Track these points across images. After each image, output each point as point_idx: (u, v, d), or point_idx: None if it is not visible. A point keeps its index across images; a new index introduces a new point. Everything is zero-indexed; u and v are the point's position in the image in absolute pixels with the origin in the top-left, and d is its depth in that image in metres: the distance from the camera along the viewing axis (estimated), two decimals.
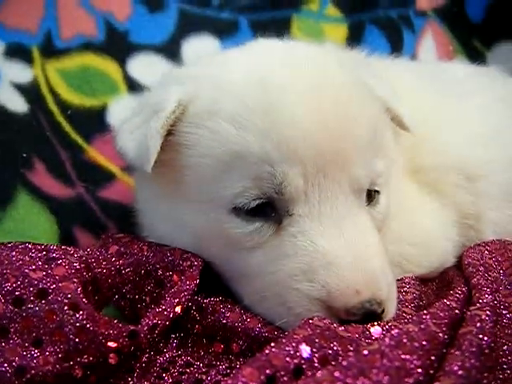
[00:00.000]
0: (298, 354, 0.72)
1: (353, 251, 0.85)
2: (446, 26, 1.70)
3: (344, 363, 0.70)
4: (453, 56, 1.69)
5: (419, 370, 0.72)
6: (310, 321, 0.78)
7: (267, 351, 0.72)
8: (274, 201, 0.87)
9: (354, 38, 1.60)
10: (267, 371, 0.69)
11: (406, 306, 0.91)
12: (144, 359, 0.84)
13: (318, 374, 0.69)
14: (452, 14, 1.70)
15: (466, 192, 1.12)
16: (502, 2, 1.70)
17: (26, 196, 1.23)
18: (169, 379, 0.83)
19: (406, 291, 0.95)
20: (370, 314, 0.83)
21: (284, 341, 0.73)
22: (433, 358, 0.74)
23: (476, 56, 1.65)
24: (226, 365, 0.85)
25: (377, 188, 0.92)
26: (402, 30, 1.65)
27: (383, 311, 0.84)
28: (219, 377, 0.82)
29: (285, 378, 0.70)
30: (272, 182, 0.85)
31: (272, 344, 0.73)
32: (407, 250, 1.03)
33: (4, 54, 1.34)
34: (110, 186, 1.34)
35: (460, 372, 0.70)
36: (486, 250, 1.04)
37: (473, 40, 1.71)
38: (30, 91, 1.35)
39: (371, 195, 0.92)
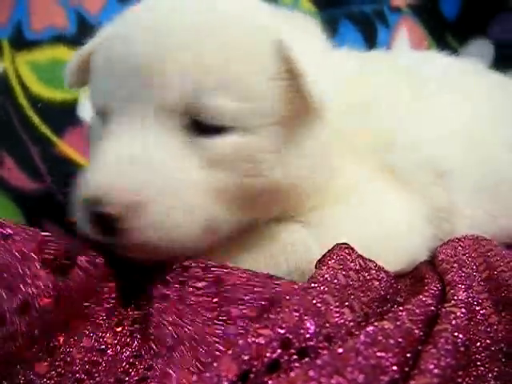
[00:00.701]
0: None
1: (124, 158, 0.83)
2: (421, 21, 1.72)
3: (318, 362, 0.69)
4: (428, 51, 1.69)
5: (394, 368, 0.71)
6: None
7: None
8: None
9: (328, 32, 1.59)
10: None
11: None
12: (110, 353, 0.83)
13: (292, 373, 0.68)
14: (426, 10, 1.72)
15: (436, 187, 1.11)
16: None
17: None
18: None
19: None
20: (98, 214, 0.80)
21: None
22: (408, 355, 0.74)
23: (450, 52, 1.65)
24: None
25: (218, 124, 0.87)
26: (377, 26, 1.66)
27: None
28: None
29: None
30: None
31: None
32: (377, 245, 1.01)
33: None
34: None
35: (435, 371, 0.69)
36: (460, 245, 1.03)
37: (447, 36, 1.72)
38: None
39: (208, 128, 0.87)
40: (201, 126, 0.86)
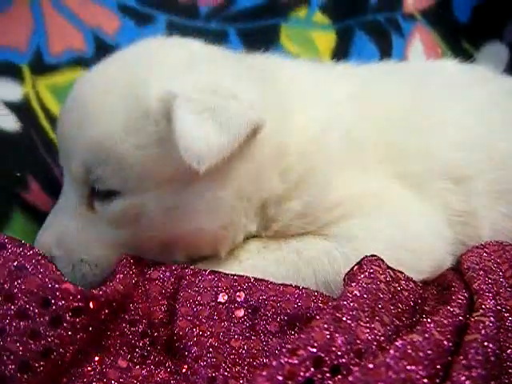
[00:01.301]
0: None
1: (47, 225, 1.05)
2: (434, 28, 1.72)
3: (350, 378, 0.70)
4: (442, 58, 1.69)
5: (425, 381, 0.72)
6: None
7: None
8: None
9: (343, 43, 1.61)
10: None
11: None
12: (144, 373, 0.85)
13: None
14: (439, 15, 1.72)
15: (455, 193, 1.12)
16: (489, 3, 1.72)
17: (22, 216, 1.21)
18: None
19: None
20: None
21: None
22: (438, 366, 0.75)
23: (465, 57, 1.65)
24: None
25: (110, 189, 0.98)
26: (391, 35, 1.66)
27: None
28: None
29: None
30: None
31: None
32: (402, 256, 1.02)
33: None
34: None
35: (467, 382, 0.70)
36: (485, 252, 1.04)
37: (461, 41, 1.72)
38: (21, 109, 1.33)
39: (102, 193, 0.99)
40: (98, 192, 0.99)
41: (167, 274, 0.95)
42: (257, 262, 1.03)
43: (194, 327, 0.88)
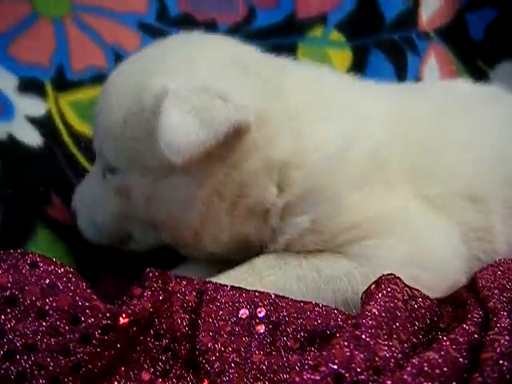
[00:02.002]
0: None
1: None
2: (449, 46, 1.73)
3: None
4: (456, 76, 1.71)
5: None
6: None
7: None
8: None
9: (359, 62, 1.62)
10: None
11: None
12: None
13: None
14: (454, 33, 1.73)
15: (472, 212, 1.15)
16: (504, 21, 1.73)
17: (46, 231, 1.24)
18: None
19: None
20: None
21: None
22: (454, 383, 0.77)
23: (479, 75, 1.67)
24: None
25: (111, 166, 1.11)
26: (406, 53, 1.67)
27: None
28: None
29: None
30: None
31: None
32: (419, 275, 1.04)
33: (18, 89, 1.36)
34: None
35: None
36: (499, 270, 1.06)
37: (476, 59, 1.74)
38: (44, 125, 1.36)
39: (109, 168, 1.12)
40: (108, 167, 1.12)
41: (189, 287, 0.97)
42: (278, 278, 1.05)
43: (216, 342, 0.89)
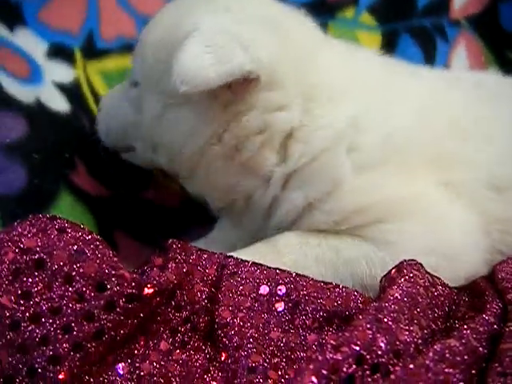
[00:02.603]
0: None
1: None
2: (479, 35, 1.72)
3: (392, 377, 0.74)
4: (484, 66, 1.71)
5: None
6: None
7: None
8: None
9: (388, 46, 1.62)
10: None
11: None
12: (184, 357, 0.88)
13: None
14: (485, 23, 1.72)
15: (496, 202, 1.14)
16: None
17: (69, 197, 1.25)
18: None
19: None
20: None
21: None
22: (473, 371, 0.79)
23: (508, 66, 1.66)
24: None
25: (134, 79, 1.19)
26: (436, 40, 1.67)
27: None
28: None
29: None
30: None
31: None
32: (437, 262, 1.04)
33: (47, 55, 1.37)
34: (152, 188, 1.38)
35: None
36: None
37: (505, 50, 1.73)
38: (71, 91, 1.37)
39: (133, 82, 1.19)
40: (132, 80, 1.20)
41: (210, 261, 0.98)
42: (298, 257, 1.06)
43: (235, 317, 0.90)
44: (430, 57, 1.65)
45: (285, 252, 1.06)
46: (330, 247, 1.06)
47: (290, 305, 0.92)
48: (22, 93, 1.27)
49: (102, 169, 1.33)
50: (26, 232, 0.84)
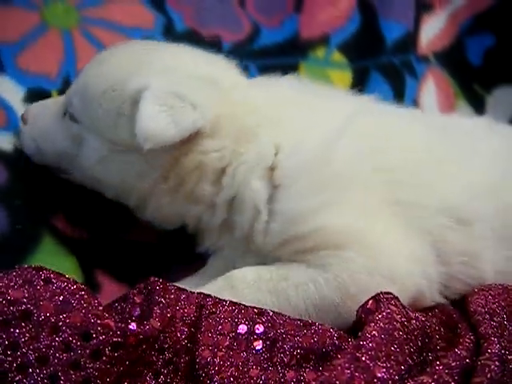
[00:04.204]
0: None
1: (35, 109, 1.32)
2: (447, 70, 1.76)
3: None
4: (453, 100, 1.75)
5: None
6: None
7: None
8: None
9: (359, 83, 1.65)
10: None
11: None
12: None
13: None
14: (452, 58, 1.77)
15: (457, 233, 1.16)
16: (502, 47, 1.77)
17: (52, 240, 1.28)
18: None
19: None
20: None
21: None
22: None
23: (476, 100, 1.71)
24: None
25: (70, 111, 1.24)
26: (405, 76, 1.70)
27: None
28: None
29: None
30: None
31: None
32: (379, 283, 1.07)
33: (24, 100, 1.39)
34: (131, 227, 1.40)
35: None
36: (490, 294, 1.09)
37: (473, 84, 1.77)
38: None
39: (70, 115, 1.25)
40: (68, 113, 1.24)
41: (188, 301, 1.00)
42: (253, 292, 1.10)
43: (215, 356, 0.93)
44: (399, 93, 1.68)
45: (240, 288, 1.11)
46: (280, 276, 1.11)
47: (268, 343, 0.95)
48: (1, 141, 1.31)
49: (82, 212, 1.35)
50: (12, 283, 0.87)
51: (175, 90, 1.13)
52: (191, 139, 1.14)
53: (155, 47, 1.32)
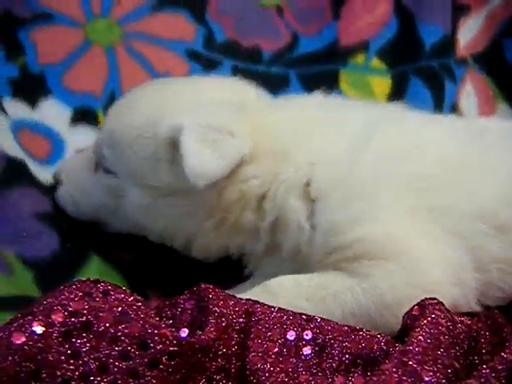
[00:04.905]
0: None
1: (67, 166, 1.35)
2: (486, 72, 1.76)
3: None
4: (493, 102, 1.75)
5: None
6: None
7: None
8: None
9: (398, 88, 1.68)
10: None
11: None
12: None
13: None
14: (490, 59, 1.76)
15: (494, 240, 1.16)
16: None
17: (99, 260, 1.33)
18: None
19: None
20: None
21: None
22: None
23: None
24: None
25: (103, 164, 1.26)
26: (444, 80, 1.71)
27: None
28: None
29: None
30: None
31: None
32: (414, 293, 1.08)
33: (71, 121, 1.47)
34: None
35: None
36: None
37: None
38: None
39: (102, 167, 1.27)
40: (101, 166, 1.26)
41: (237, 308, 1.02)
42: (291, 298, 1.12)
43: (265, 363, 0.95)
44: (438, 97, 1.69)
45: (278, 294, 1.13)
46: (319, 285, 1.13)
47: (317, 349, 0.97)
48: (42, 174, 1.36)
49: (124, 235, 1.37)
50: (72, 296, 0.90)
51: (209, 122, 1.14)
52: (235, 169, 1.15)
53: (172, 84, 1.35)
